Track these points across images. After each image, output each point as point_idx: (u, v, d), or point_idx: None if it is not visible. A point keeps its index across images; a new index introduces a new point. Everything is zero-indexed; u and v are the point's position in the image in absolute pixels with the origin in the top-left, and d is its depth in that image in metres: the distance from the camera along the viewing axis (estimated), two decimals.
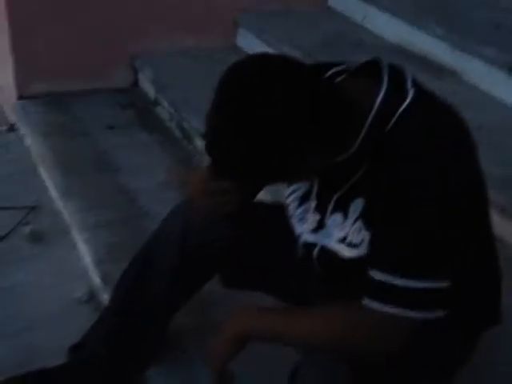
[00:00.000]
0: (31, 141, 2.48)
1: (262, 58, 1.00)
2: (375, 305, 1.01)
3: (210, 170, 1.20)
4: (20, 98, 2.59)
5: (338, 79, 1.10)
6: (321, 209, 1.16)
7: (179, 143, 2.47)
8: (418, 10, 2.57)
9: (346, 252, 1.11)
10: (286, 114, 0.93)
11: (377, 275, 1.01)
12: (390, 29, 2.64)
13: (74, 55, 2.58)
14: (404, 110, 1.02)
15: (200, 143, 2.35)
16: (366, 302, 1.02)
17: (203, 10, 2.77)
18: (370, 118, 1.02)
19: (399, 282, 0.99)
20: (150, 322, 1.46)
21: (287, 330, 1.08)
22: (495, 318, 1.26)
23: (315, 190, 1.17)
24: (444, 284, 1.01)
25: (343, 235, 1.12)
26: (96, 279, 1.85)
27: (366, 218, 1.07)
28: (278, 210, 1.30)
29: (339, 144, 1.03)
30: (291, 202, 1.24)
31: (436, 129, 1.02)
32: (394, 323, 1.01)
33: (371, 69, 1.08)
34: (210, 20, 2.80)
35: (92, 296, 1.86)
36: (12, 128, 2.68)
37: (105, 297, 1.78)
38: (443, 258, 1.02)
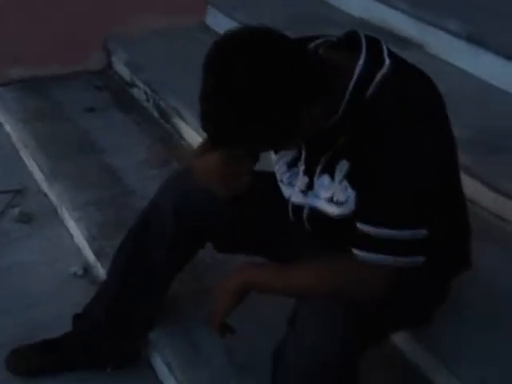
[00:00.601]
0: (11, 127, 2.51)
1: (246, 32, 1.07)
2: (362, 254, 1.12)
3: (208, 145, 1.28)
4: None
5: (320, 51, 1.20)
6: (309, 172, 1.26)
7: (157, 122, 2.54)
8: None
9: (334, 210, 1.22)
10: (271, 81, 1.02)
11: (363, 227, 1.12)
12: (358, 5, 2.74)
13: (48, 40, 2.60)
14: (382, 77, 1.12)
15: (177, 121, 2.42)
16: (355, 251, 1.12)
17: None
18: (350, 86, 1.12)
19: (383, 232, 1.10)
20: (148, 290, 1.55)
21: (284, 281, 1.19)
22: (466, 263, 1.40)
23: (303, 154, 1.27)
24: (422, 233, 1.12)
25: (330, 195, 1.22)
26: (90, 255, 1.93)
27: (350, 178, 1.18)
28: (268, 177, 1.40)
29: (324, 109, 1.12)
30: (279, 167, 1.34)
31: (411, 95, 1.12)
32: (380, 269, 1.12)
33: (350, 41, 1.18)
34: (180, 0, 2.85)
35: (87, 271, 1.95)
36: None
37: (99, 271, 1.87)
38: (421, 210, 1.13)
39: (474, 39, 2.30)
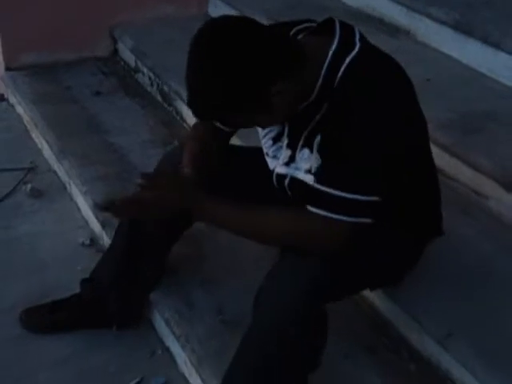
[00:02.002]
0: (23, 108, 2.67)
1: (226, 19, 1.22)
2: (315, 210, 1.24)
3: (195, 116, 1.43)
4: (7, 69, 2.77)
5: (300, 36, 1.34)
6: (291, 146, 1.39)
7: (160, 106, 2.68)
8: None
9: (310, 179, 1.34)
10: (245, 60, 1.15)
11: (319, 187, 1.25)
12: None
13: (58, 27, 2.75)
14: (351, 59, 1.25)
15: (179, 104, 2.56)
16: (311, 208, 1.25)
17: None
18: (324, 69, 1.25)
19: (337, 192, 1.22)
20: (149, 255, 1.70)
21: (244, 221, 1.31)
22: (438, 229, 1.54)
23: (286, 130, 1.40)
24: (375, 199, 1.24)
25: (309, 166, 1.36)
26: (96, 226, 2.08)
27: (320, 149, 1.32)
28: (255, 151, 1.55)
29: (300, 90, 1.25)
30: (266, 142, 1.48)
31: (376, 75, 1.25)
32: (330, 225, 1.24)
33: (327, 27, 1.31)
34: None
35: (93, 241, 2.10)
36: (2, 98, 2.86)
37: (105, 240, 2.02)
38: (377, 178, 1.25)
39: (461, 27, 2.42)
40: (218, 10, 3.06)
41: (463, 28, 2.41)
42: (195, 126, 1.64)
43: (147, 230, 1.65)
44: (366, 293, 1.68)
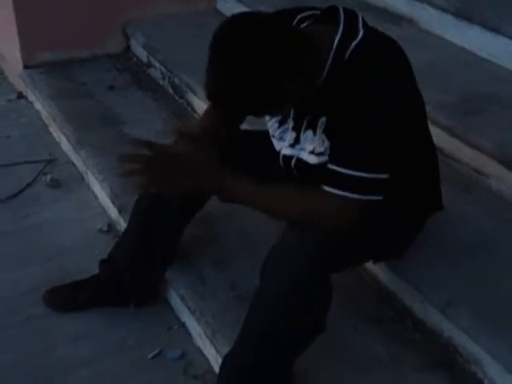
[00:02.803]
0: (41, 104, 2.78)
1: (245, 16, 1.29)
2: (330, 189, 1.32)
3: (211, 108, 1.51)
4: (25, 67, 2.88)
5: (305, 24, 1.41)
6: (296, 128, 1.47)
7: (171, 98, 2.77)
8: None
9: (315, 160, 1.43)
10: (265, 54, 1.23)
11: (332, 167, 1.32)
12: None
13: (73, 26, 2.85)
14: (355, 45, 1.32)
15: (190, 97, 2.66)
16: (324, 187, 1.33)
17: None
18: (331, 55, 1.32)
19: (348, 172, 1.30)
20: (164, 235, 1.79)
21: (260, 199, 1.38)
22: (438, 204, 1.61)
23: (292, 114, 1.48)
24: (383, 176, 1.31)
25: (313, 148, 1.43)
26: (114, 212, 2.18)
27: (326, 131, 1.39)
28: (262, 134, 1.63)
29: (309, 78, 1.33)
30: (272, 125, 1.56)
31: (378, 59, 1.32)
32: (343, 202, 1.31)
33: (331, 14, 1.39)
34: None
35: (111, 227, 2.20)
36: (21, 95, 2.97)
37: (122, 226, 2.11)
38: (384, 157, 1.32)
39: (461, 14, 2.49)
40: (226, 4, 3.14)
41: (463, 15, 2.48)
42: (206, 112, 1.72)
43: (161, 211, 1.74)
44: (371, 267, 1.76)
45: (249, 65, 1.23)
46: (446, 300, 1.57)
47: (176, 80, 2.73)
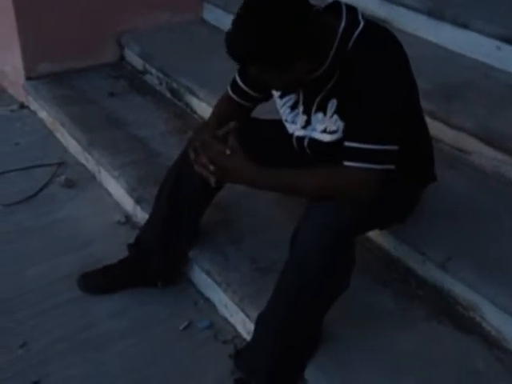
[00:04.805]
0: (46, 112, 2.92)
1: None
2: (351, 163, 1.50)
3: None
4: (28, 78, 3.02)
5: None
6: (307, 111, 1.67)
7: (170, 101, 2.95)
8: None
9: (327, 138, 1.63)
10: (288, 20, 1.39)
11: (351, 144, 1.51)
12: None
13: (70, 39, 3.01)
14: (358, 33, 1.53)
15: (189, 98, 2.84)
16: (346, 163, 1.51)
17: None
18: (336, 42, 1.53)
19: (366, 146, 1.49)
20: (188, 216, 1.96)
21: (290, 182, 1.55)
22: (433, 175, 1.84)
23: (301, 98, 1.68)
24: (395, 147, 1.51)
25: (324, 127, 1.64)
26: (130, 204, 2.35)
27: (339, 112, 1.59)
28: (275, 122, 1.82)
29: (315, 61, 1.54)
30: (284, 110, 1.75)
31: (379, 45, 1.53)
32: (366, 173, 1.50)
33: (333, 8, 1.60)
34: None
35: (128, 219, 2.37)
36: (23, 105, 3.11)
37: (139, 216, 2.28)
38: (393, 130, 1.52)
39: (433, 13, 2.75)
40: (212, 14, 3.35)
41: (435, 14, 2.74)
42: (217, 105, 1.91)
43: (184, 195, 1.91)
44: (376, 237, 1.97)
45: (276, 22, 1.38)
46: (446, 256, 1.79)
47: (174, 84, 2.91)
